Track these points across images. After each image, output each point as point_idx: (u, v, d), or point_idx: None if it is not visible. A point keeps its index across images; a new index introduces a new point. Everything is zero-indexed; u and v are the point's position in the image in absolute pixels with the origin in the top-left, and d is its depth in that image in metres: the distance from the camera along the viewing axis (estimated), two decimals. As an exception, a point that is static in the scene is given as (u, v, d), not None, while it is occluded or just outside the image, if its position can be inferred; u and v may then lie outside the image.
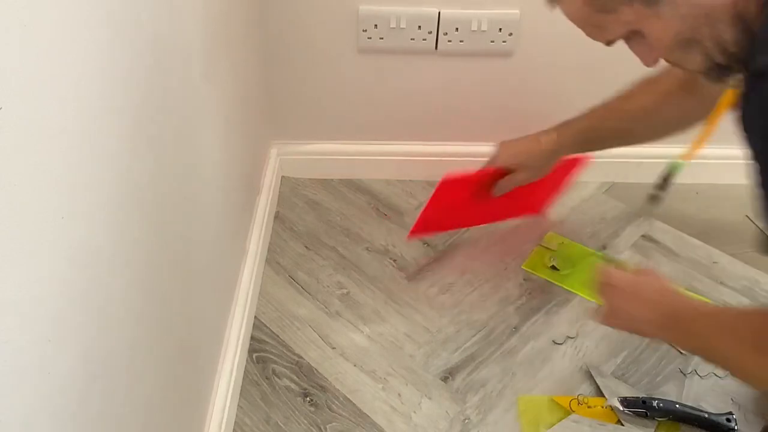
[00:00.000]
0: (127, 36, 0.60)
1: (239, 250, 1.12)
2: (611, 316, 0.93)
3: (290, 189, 1.40)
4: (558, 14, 1.20)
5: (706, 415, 0.97)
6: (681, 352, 1.07)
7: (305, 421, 1.00)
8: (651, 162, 1.40)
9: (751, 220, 1.14)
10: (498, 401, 1.03)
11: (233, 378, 0.99)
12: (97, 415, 0.57)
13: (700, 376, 1.05)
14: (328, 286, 1.20)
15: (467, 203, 1.21)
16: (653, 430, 0.98)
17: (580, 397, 1.02)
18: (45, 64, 0.45)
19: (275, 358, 1.08)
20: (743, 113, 0.65)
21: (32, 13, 0.43)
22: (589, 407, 1.02)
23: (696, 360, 1.06)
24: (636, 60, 1.28)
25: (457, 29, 1.21)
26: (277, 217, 1.33)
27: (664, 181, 1.21)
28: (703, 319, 0.82)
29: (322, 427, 0.99)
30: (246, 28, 1.12)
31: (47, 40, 0.46)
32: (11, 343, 0.43)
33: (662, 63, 0.80)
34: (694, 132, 1.14)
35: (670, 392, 1.03)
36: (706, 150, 1.39)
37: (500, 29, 1.21)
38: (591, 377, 1.06)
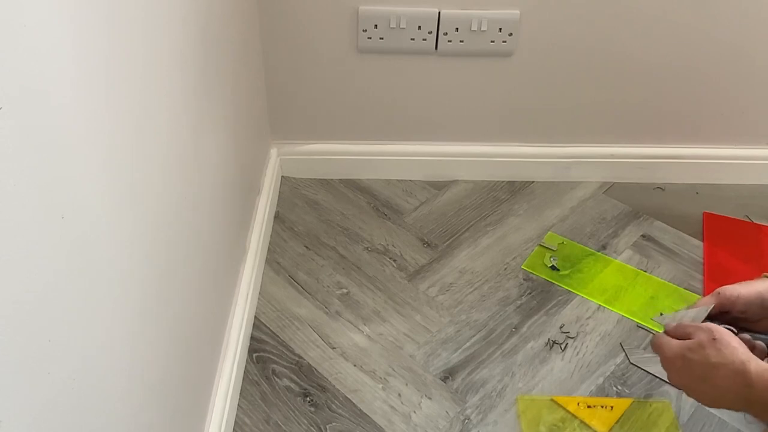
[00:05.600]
0: (125, 35, 0.60)
1: (239, 249, 1.12)
2: (692, 395, 0.82)
3: (290, 189, 1.40)
4: (558, 14, 1.21)
5: None
6: None
7: (305, 421, 1.00)
8: (651, 162, 1.40)
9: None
10: (498, 401, 1.03)
11: (233, 378, 0.99)
12: (97, 415, 0.57)
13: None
14: (327, 286, 1.20)
15: None
16: None
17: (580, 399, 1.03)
18: (45, 65, 0.45)
19: (275, 358, 1.08)
20: None
21: (32, 14, 0.43)
22: (588, 407, 1.02)
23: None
24: (634, 57, 1.28)
25: (457, 29, 1.21)
26: (277, 217, 1.33)
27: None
28: None
29: (322, 427, 0.99)
30: (245, 28, 1.12)
31: (47, 41, 0.46)
32: (11, 343, 0.43)
33: None
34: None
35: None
36: (707, 150, 1.40)
37: (500, 29, 1.21)
38: (591, 377, 1.06)
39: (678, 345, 0.81)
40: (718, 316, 0.85)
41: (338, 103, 1.32)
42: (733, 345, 0.77)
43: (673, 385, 0.87)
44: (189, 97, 0.79)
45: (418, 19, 1.20)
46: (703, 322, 0.84)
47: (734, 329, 0.83)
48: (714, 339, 0.78)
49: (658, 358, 0.89)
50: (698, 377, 0.79)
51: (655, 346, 0.85)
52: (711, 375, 0.77)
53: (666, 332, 0.86)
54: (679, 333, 0.84)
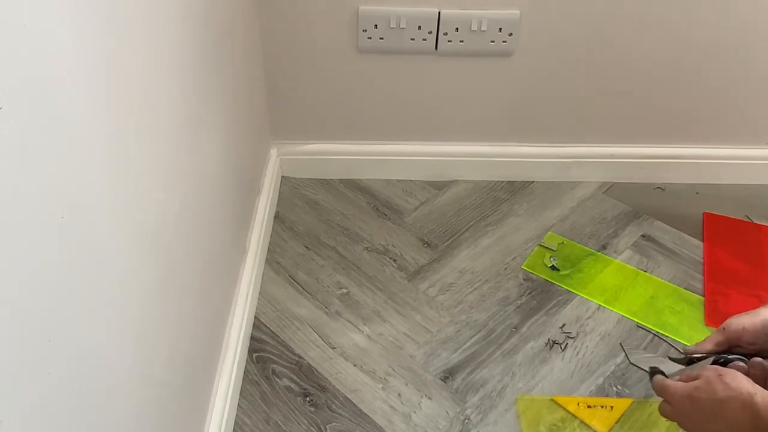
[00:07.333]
0: (125, 35, 0.60)
1: (239, 249, 1.12)
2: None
3: (290, 189, 1.40)
4: (558, 14, 1.21)
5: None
6: None
7: (305, 421, 1.00)
8: (651, 162, 1.40)
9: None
10: (498, 401, 1.03)
11: (233, 378, 0.99)
12: (97, 415, 0.57)
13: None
14: (327, 286, 1.20)
15: None
16: None
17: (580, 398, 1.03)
18: (45, 65, 0.45)
19: (275, 358, 1.08)
20: None
21: (32, 14, 0.43)
22: (588, 407, 1.02)
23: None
24: (634, 57, 1.28)
25: (457, 29, 1.21)
26: (277, 217, 1.33)
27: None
28: None
29: (322, 427, 0.99)
30: (246, 28, 1.12)
31: (47, 41, 0.45)
32: (11, 343, 0.43)
33: None
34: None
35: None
36: (707, 150, 1.40)
37: (500, 29, 1.21)
38: (591, 377, 1.06)
39: (684, 386, 0.81)
40: (727, 351, 0.85)
41: (338, 103, 1.33)
42: (738, 378, 0.77)
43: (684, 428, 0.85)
44: (189, 97, 0.79)
45: (418, 19, 1.20)
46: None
47: (745, 358, 0.83)
48: (720, 375, 0.78)
49: (659, 358, 0.89)
50: (709, 415, 0.78)
51: (660, 390, 0.85)
52: (721, 410, 0.77)
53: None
54: (683, 377, 0.84)
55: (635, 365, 1.08)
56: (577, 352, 1.10)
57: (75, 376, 0.52)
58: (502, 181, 1.42)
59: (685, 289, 1.20)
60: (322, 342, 1.11)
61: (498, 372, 1.07)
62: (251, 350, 1.09)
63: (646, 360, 1.08)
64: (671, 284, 1.21)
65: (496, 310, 1.17)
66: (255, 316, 1.14)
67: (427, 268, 1.24)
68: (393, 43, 1.22)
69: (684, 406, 0.81)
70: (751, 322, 0.84)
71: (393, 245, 1.28)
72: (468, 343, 1.11)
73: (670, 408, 0.84)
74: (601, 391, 1.05)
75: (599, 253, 1.27)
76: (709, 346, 0.87)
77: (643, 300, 1.18)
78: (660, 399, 0.87)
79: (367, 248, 1.27)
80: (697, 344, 0.89)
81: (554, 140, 1.38)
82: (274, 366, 1.07)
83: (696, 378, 0.81)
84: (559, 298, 1.19)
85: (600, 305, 1.17)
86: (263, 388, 1.04)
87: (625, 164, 1.40)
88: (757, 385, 0.75)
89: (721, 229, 1.32)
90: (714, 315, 1.15)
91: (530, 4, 1.19)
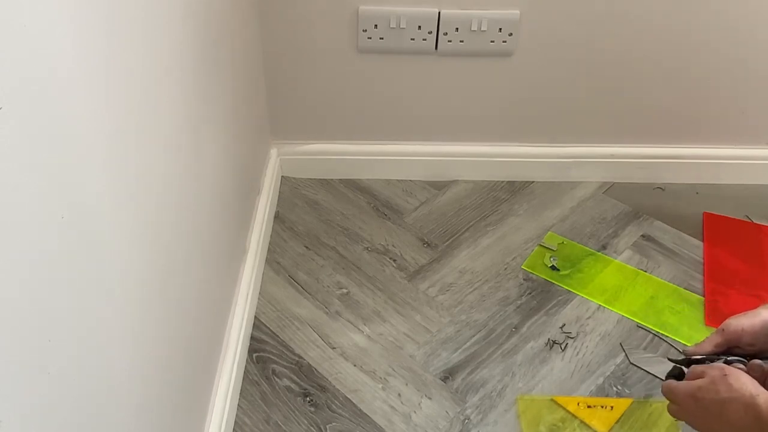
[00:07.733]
0: (125, 35, 0.60)
1: (239, 250, 1.12)
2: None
3: (290, 189, 1.40)
4: (558, 14, 1.21)
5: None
6: None
7: (305, 421, 1.00)
8: (651, 162, 1.40)
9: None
10: (498, 401, 1.03)
11: (233, 378, 0.99)
12: (97, 415, 0.57)
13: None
14: (327, 286, 1.20)
15: None
16: None
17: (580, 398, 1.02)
18: (45, 65, 0.45)
19: (275, 358, 1.08)
20: None
21: (32, 14, 0.43)
22: (588, 407, 1.02)
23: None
24: (634, 57, 1.28)
25: (457, 29, 1.21)
26: (277, 217, 1.33)
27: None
28: None
29: (322, 427, 1.00)
30: (246, 27, 1.12)
31: (47, 41, 0.45)
32: (10, 343, 0.43)
33: None
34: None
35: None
36: (707, 150, 1.40)
37: (500, 29, 1.21)
38: (591, 377, 1.06)
39: (687, 386, 0.82)
40: (726, 352, 0.86)
41: (338, 103, 1.33)
42: (742, 380, 0.77)
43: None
44: (189, 97, 0.79)
45: (418, 19, 1.20)
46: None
47: (745, 359, 0.83)
48: (725, 375, 0.78)
49: (659, 358, 0.89)
50: (712, 415, 0.78)
51: (667, 393, 0.85)
52: (723, 411, 0.77)
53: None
54: (690, 375, 0.84)
55: (635, 365, 1.08)
56: (577, 352, 1.10)
57: (75, 376, 0.52)
58: (502, 181, 1.42)
59: (685, 289, 1.20)
60: (322, 342, 1.11)
61: (498, 372, 1.07)
62: (251, 350, 1.09)
63: (647, 360, 1.08)
64: (671, 284, 1.21)
65: (496, 310, 1.17)
66: (255, 316, 1.14)
67: (427, 268, 1.24)
68: (393, 43, 1.22)
69: (689, 405, 0.81)
70: (750, 323, 0.84)
71: (393, 245, 1.28)
72: (468, 343, 1.11)
73: (676, 408, 0.84)
74: (601, 391, 1.05)
75: (599, 253, 1.27)
76: (708, 347, 0.87)
77: (643, 300, 1.18)
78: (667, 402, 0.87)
79: (367, 248, 1.27)
80: (696, 345, 0.89)
81: (554, 140, 1.38)
82: (274, 366, 1.07)
83: (701, 376, 0.81)
84: (559, 298, 1.19)
85: (600, 305, 1.17)
86: (263, 388, 1.04)
87: (625, 164, 1.40)
88: (759, 387, 0.75)
89: (721, 229, 1.32)
90: (714, 315, 1.15)
91: (530, 4, 1.19)
